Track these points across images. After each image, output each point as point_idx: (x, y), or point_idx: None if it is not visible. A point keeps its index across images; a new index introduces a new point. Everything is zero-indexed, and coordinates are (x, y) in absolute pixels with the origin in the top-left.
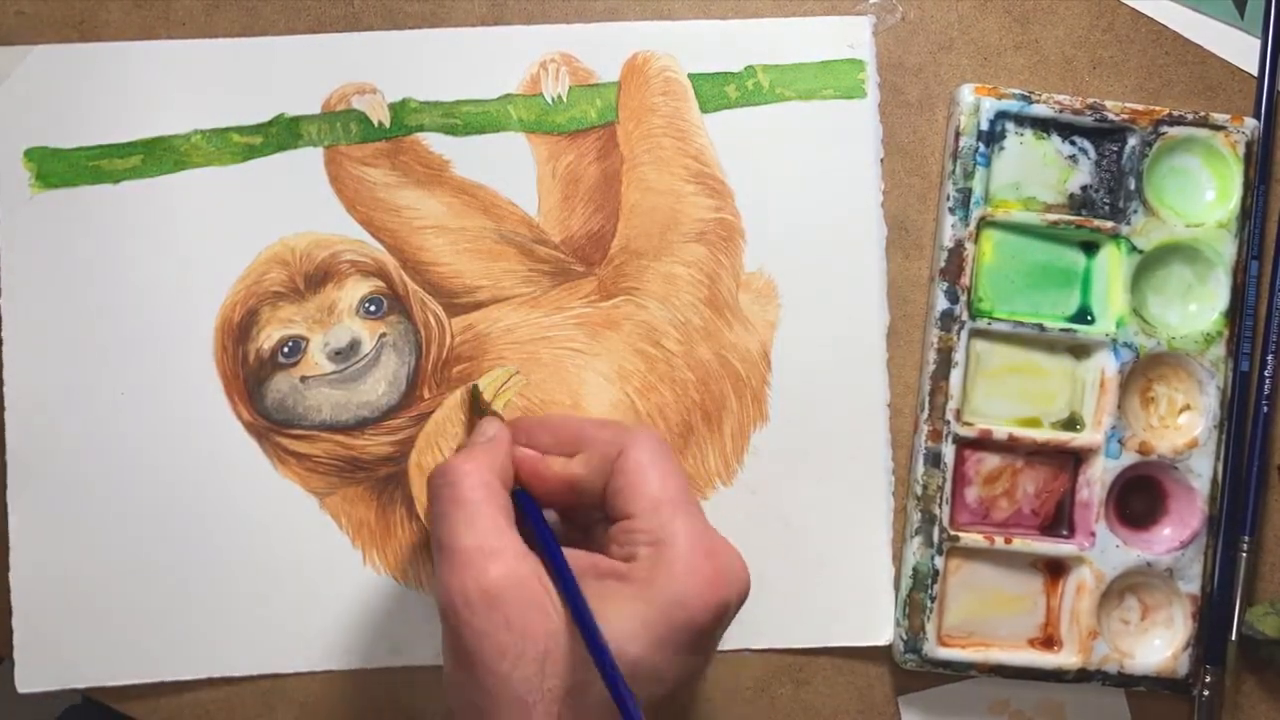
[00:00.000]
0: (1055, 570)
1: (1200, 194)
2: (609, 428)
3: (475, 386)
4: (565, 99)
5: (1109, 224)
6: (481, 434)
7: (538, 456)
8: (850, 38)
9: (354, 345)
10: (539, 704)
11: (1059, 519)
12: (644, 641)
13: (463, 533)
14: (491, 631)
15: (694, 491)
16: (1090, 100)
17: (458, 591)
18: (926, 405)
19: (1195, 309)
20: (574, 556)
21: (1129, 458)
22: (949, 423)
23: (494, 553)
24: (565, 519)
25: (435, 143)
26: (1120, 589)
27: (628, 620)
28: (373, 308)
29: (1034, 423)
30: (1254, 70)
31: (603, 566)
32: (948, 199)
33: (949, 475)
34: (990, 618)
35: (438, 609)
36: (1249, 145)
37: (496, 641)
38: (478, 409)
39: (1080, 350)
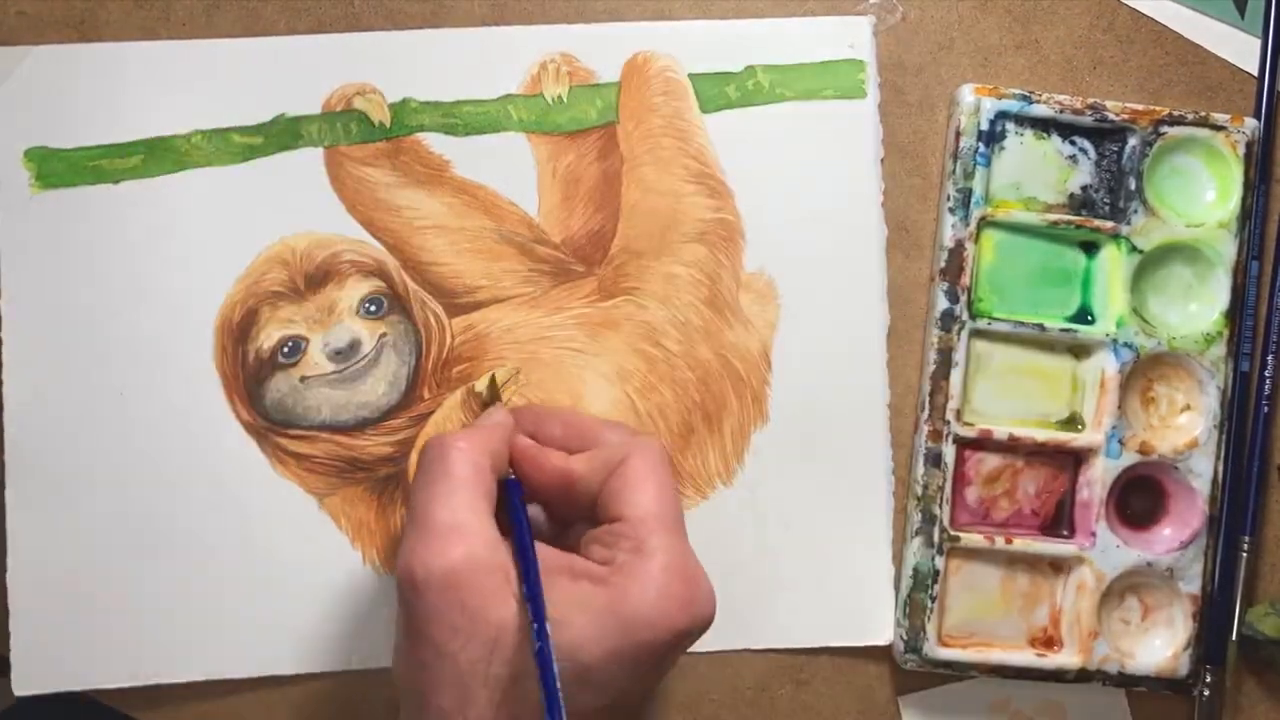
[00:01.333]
0: (1056, 570)
1: (1200, 194)
2: (618, 431)
3: (493, 375)
4: (565, 99)
5: (1109, 224)
6: (487, 417)
7: (538, 448)
8: (850, 38)
9: (354, 345)
10: (481, 689)
11: (1059, 519)
12: (600, 651)
13: (439, 507)
14: (445, 610)
15: (682, 514)
16: (1090, 100)
17: (419, 564)
18: (927, 405)
19: (1195, 309)
20: (551, 554)
21: (1129, 458)
22: (949, 423)
23: (464, 533)
24: (550, 515)
25: (435, 143)
26: (1121, 589)
27: (590, 626)
28: (373, 308)
29: (1034, 423)
30: (1254, 70)
31: (578, 567)
32: (948, 199)
33: (949, 475)
34: (991, 618)
35: (396, 579)
36: (1249, 145)
37: (448, 620)
38: (491, 397)
39: (1080, 350)
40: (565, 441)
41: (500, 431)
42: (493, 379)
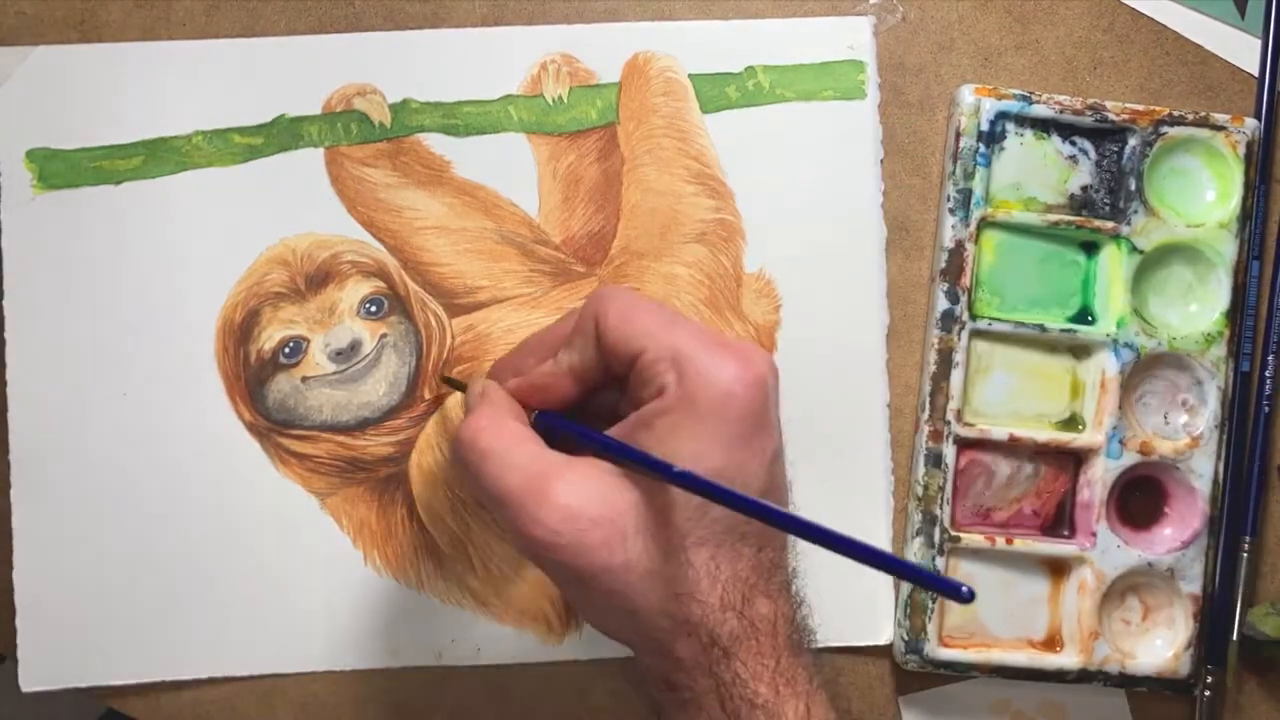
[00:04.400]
0: (1057, 571)
1: (1201, 194)
2: (573, 312)
3: (440, 376)
4: (566, 100)
5: (1109, 224)
6: (471, 395)
7: (529, 376)
8: (850, 38)
9: (355, 346)
10: (663, 567)
11: (1060, 519)
12: (715, 451)
13: (506, 478)
14: (584, 539)
15: (676, 308)
16: (1091, 100)
17: (532, 528)
18: (927, 406)
19: (1196, 309)
20: (619, 429)
21: (1130, 458)
22: (949, 423)
23: (541, 475)
24: (590, 418)
25: (436, 143)
26: (1121, 589)
27: (690, 441)
28: (373, 308)
29: (1035, 423)
30: (1254, 70)
31: (645, 416)
32: (948, 199)
33: (950, 476)
34: (991, 618)
35: (535, 562)
36: (1249, 145)
37: (591, 541)
38: (456, 386)
39: (1081, 350)
40: (544, 358)
41: (494, 392)
42: (441, 378)
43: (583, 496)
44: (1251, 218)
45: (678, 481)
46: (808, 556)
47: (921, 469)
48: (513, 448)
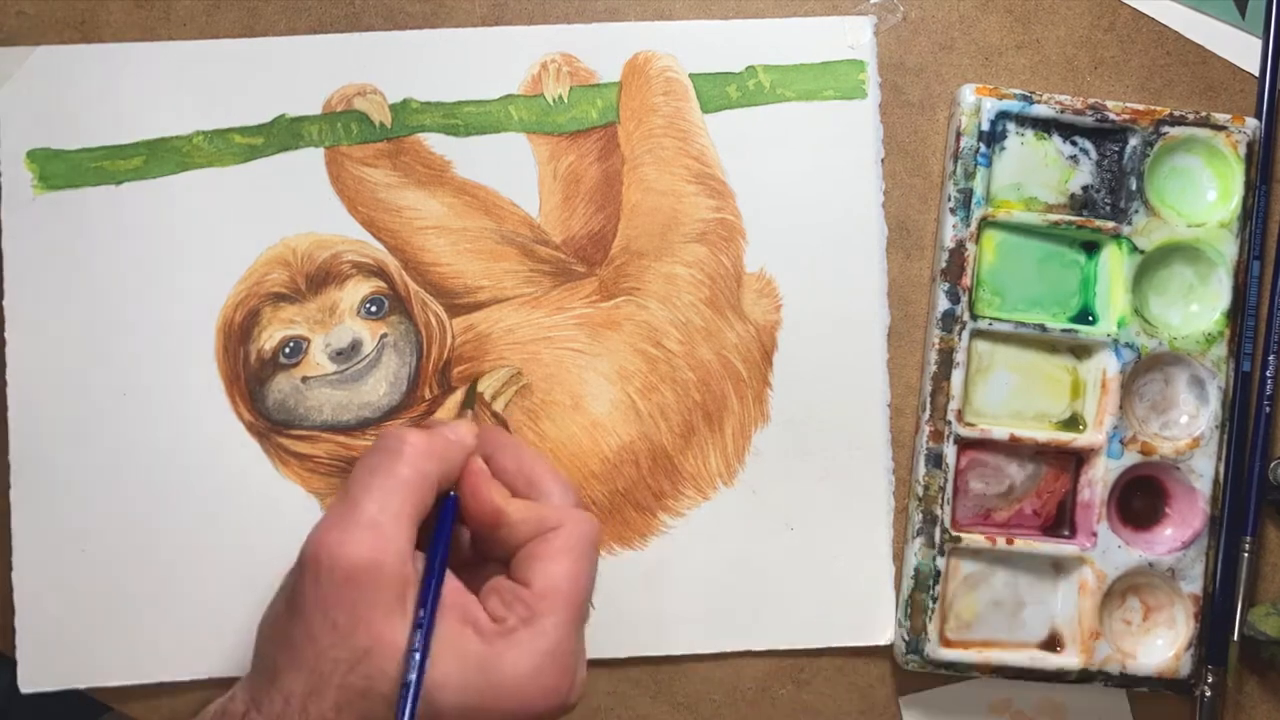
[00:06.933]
0: (1057, 571)
1: (1201, 194)
2: (564, 493)
3: (473, 385)
4: (566, 99)
5: (1110, 224)
6: (454, 428)
7: (486, 476)
8: (851, 38)
9: (355, 346)
10: (330, 690)
11: (1060, 519)
12: (457, 700)
13: (369, 499)
14: (332, 604)
15: (589, 600)
16: (1091, 100)
17: (326, 549)
18: (928, 406)
19: (1197, 309)
20: (453, 590)
21: (1131, 458)
22: (950, 423)
23: (380, 535)
24: (472, 542)
25: (436, 143)
26: (1122, 589)
27: (456, 674)
28: (374, 308)
29: (1036, 423)
30: (1255, 70)
31: (470, 613)
32: (949, 199)
33: (950, 476)
34: (992, 619)
35: (302, 549)
36: (1250, 145)
37: (331, 616)
38: (469, 403)
39: (1082, 350)
40: (512, 479)
41: (458, 449)
42: (472, 387)
43: (369, 588)
44: (1252, 217)
45: (410, 646)
46: (810, 555)
47: (922, 469)
48: (400, 495)
